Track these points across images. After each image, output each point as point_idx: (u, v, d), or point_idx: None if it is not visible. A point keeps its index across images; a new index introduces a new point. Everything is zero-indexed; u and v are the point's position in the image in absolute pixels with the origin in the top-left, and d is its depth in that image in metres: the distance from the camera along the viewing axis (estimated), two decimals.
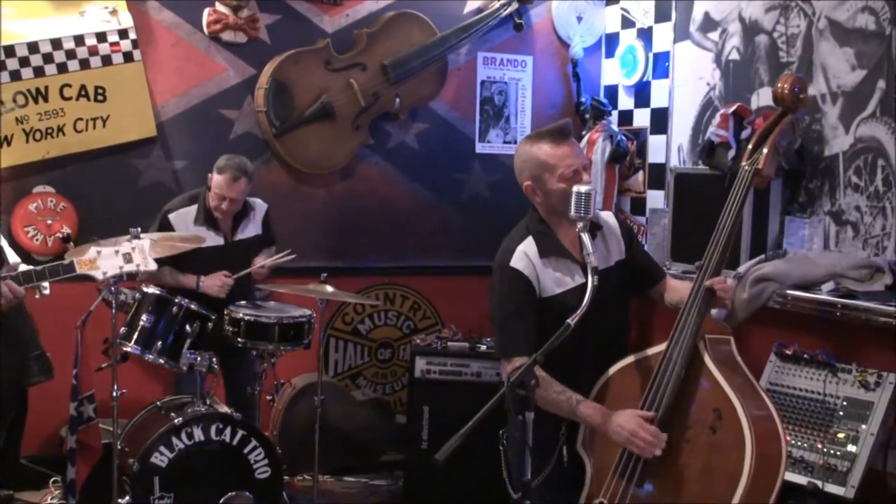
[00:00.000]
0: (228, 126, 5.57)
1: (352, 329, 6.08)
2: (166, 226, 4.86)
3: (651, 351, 3.19)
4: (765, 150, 3.21)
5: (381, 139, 5.92)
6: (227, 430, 4.39)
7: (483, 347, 5.25)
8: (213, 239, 4.90)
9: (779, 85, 3.31)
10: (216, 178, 4.81)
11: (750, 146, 3.27)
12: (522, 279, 3.26)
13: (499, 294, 3.30)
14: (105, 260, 3.01)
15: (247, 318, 4.67)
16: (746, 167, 3.24)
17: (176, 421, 4.31)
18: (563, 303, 3.21)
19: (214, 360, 4.53)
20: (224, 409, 4.57)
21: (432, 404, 5.11)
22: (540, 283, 3.26)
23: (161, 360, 4.53)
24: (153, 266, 3.04)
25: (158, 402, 4.66)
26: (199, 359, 4.47)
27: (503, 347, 3.28)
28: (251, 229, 5.08)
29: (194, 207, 4.92)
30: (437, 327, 6.17)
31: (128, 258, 3.04)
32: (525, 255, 3.27)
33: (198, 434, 4.34)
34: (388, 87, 5.74)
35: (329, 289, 4.77)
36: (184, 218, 4.89)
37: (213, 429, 4.36)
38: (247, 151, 5.42)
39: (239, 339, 4.68)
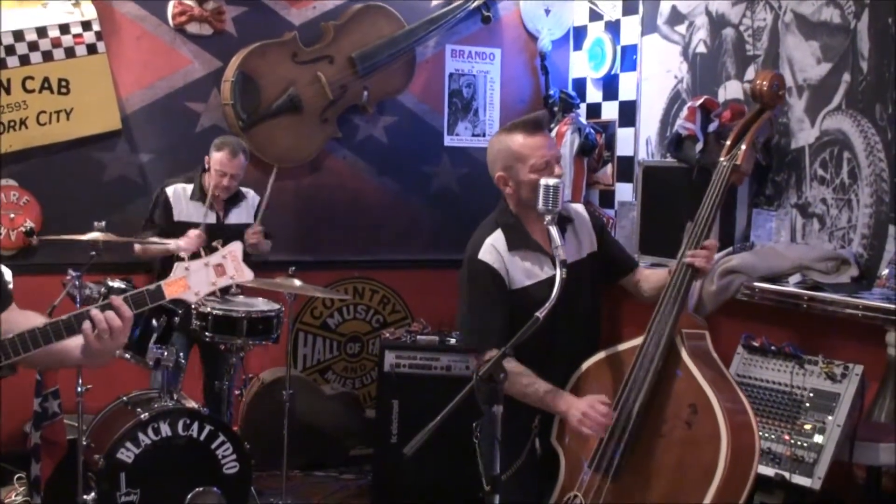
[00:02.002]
0: (195, 119, 5.50)
1: (321, 323, 6.03)
2: (164, 201, 4.94)
3: (625, 346, 3.17)
4: (743, 146, 3.20)
5: (349, 132, 5.88)
6: (195, 426, 4.33)
7: (453, 341, 5.22)
8: (207, 217, 4.93)
9: (757, 81, 3.30)
10: (216, 156, 4.87)
11: (728, 142, 3.26)
12: (491, 272, 3.24)
13: (468, 287, 3.29)
14: (196, 276, 2.57)
15: (215, 312, 4.61)
16: (724, 162, 3.22)
17: (142, 416, 4.25)
18: (533, 295, 3.19)
19: (182, 354, 4.48)
20: (192, 404, 4.52)
21: (402, 398, 5.07)
22: (509, 275, 3.25)
23: (127, 356, 4.45)
24: (249, 275, 2.71)
25: (124, 398, 4.60)
26: (165, 353, 4.41)
27: (474, 341, 3.25)
28: (243, 216, 5.10)
29: (191, 186, 5.00)
30: (406, 321, 6.14)
31: (220, 271, 2.63)
32: (493, 247, 3.26)
33: (164, 429, 4.28)
34: (356, 80, 5.69)
35: (298, 283, 4.72)
36: (181, 193, 4.97)
37: (180, 424, 4.31)
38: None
39: (207, 334, 4.63)
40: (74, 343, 2.42)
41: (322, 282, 5.59)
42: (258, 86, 5.47)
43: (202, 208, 4.92)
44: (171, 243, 4.74)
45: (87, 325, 2.36)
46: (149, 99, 5.40)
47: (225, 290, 4.54)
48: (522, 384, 3.14)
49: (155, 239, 4.81)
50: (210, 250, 2.64)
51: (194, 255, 2.60)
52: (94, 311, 2.37)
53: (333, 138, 5.80)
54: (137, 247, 4.91)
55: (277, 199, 5.64)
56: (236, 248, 2.67)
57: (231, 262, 2.68)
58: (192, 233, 4.76)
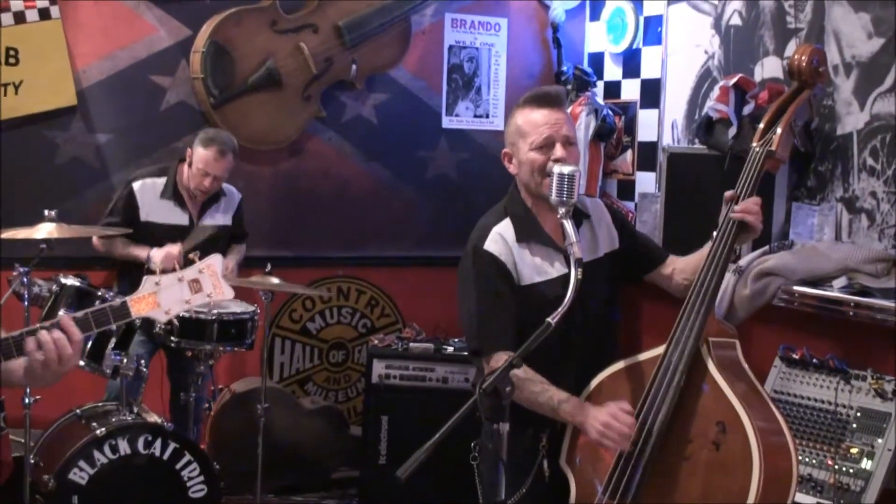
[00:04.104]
0: (160, 95, 5.49)
1: (300, 328, 6.04)
2: (128, 198, 4.93)
3: (645, 355, 3.17)
4: (779, 130, 3.19)
5: (334, 111, 5.88)
6: (157, 443, 4.34)
7: (450, 349, 5.22)
8: (178, 217, 4.96)
9: (795, 56, 3.29)
10: (201, 153, 4.87)
11: (762, 125, 3.25)
12: (498, 264, 3.24)
13: (473, 281, 3.28)
14: (167, 293, 2.54)
15: (181, 314, 4.60)
16: (758, 149, 3.21)
17: (98, 432, 4.25)
18: (543, 293, 3.20)
19: (144, 361, 4.48)
20: (154, 418, 4.52)
21: (392, 414, 5.08)
22: (517, 269, 3.25)
23: (81, 363, 4.45)
24: (229, 294, 2.67)
25: (78, 410, 4.60)
26: (125, 360, 4.41)
27: (480, 343, 3.24)
28: (219, 218, 5.12)
29: (163, 180, 4.98)
30: (397, 326, 6.15)
31: (196, 287, 2.59)
32: (501, 237, 3.27)
33: (123, 447, 4.29)
34: (343, 52, 5.69)
35: (275, 281, 4.72)
36: (149, 189, 4.96)
37: (140, 441, 4.31)
38: (181, 123, 5.39)
39: (172, 339, 4.63)
40: (17, 363, 2.42)
41: (302, 280, 5.59)
42: (232, 57, 5.46)
43: (174, 208, 4.92)
44: (145, 252, 4.74)
45: (31, 343, 2.36)
46: (108, 71, 5.38)
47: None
48: (534, 391, 3.14)
49: (133, 248, 4.79)
50: (185, 263, 2.63)
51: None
52: (42, 334, 2.36)
53: (316, 118, 5.80)
54: (96, 239, 4.91)
55: (252, 187, 5.65)
56: (215, 261, 2.65)
57: (209, 276, 2.66)
58: (173, 252, 4.72)
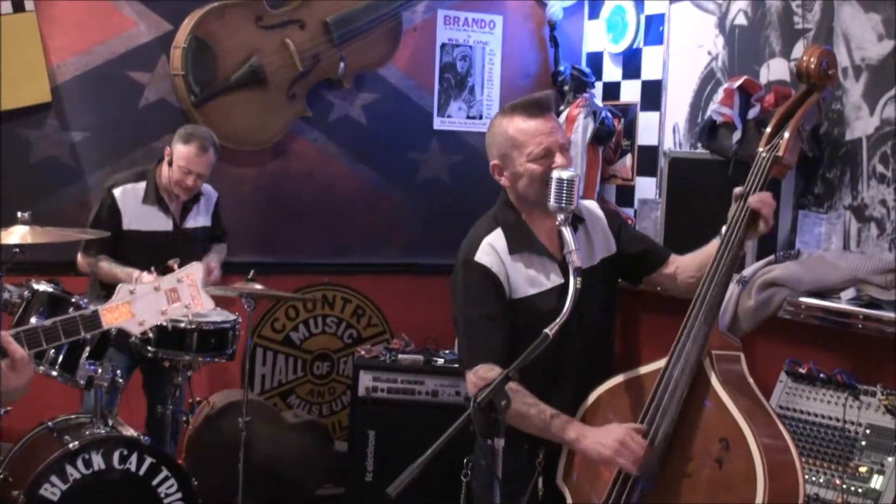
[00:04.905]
0: (138, 92, 5.49)
1: (283, 338, 6.03)
2: (112, 207, 4.90)
3: (645, 369, 3.18)
4: (786, 135, 3.21)
5: (321, 111, 5.88)
6: (133, 458, 4.33)
7: (440, 361, 5.23)
8: (162, 223, 4.95)
9: (803, 58, 3.31)
10: (181, 150, 4.85)
11: (769, 129, 3.27)
12: (490, 276, 3.25)
13: (463, 294, 3.29)
14: (142, 303, 2.52)
15: (159, 322, 4.59)
16: (764, 153, 3.23)
17: (71, 445, 4.24)
18: (537, 306, 3.21)
19: (119, 372, 4.47)
20: (130, 431, 4.51)
21: (379, 428, 5.09)
22: (510, 281, 3.26)
23: (53, 373, 4.44)
24: (209, 305, 2.65)
25: (50, 423, 4.58)
26: (99, 371, 4.40)
27: (469, 356, 3.25)
28: (201, 219, 5.13)
29: (143, 185, 4.96)
30: (385, 336, 6.15)
31: (174, 296, 2.58)
32: (492, 248, 3.27)
33: (97, 462, 4.27)
34: (331, 49, 5.70)
35: (258, 287, 4.72)
36: (131, 195, 4.94)
37: (115, 455, 4.30)
38: (160, 122, 5.38)
39: (149, 348, 4.63)
40: None
41: (286, 288, 5.59)
42: (214, 53, 5.46)
43: (158, 214, 4.93)
44: (133, 275, 4.71)
45: None
46: (84, 67, 5.38)
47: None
48: (524, 404, 3.14)
49: (118, 270, 4.78)
50: (163, 270, 2.62)
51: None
52: None
53: (302, 118, 5.80)
54: (81, 259, 4.90)
55: (234, 190, 5.65)
56: (195, 270, 2.65)
57: (188, 286, 2.65)
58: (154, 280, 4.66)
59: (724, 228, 3.16)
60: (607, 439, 3.03)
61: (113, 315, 2.53)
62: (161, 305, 2.59)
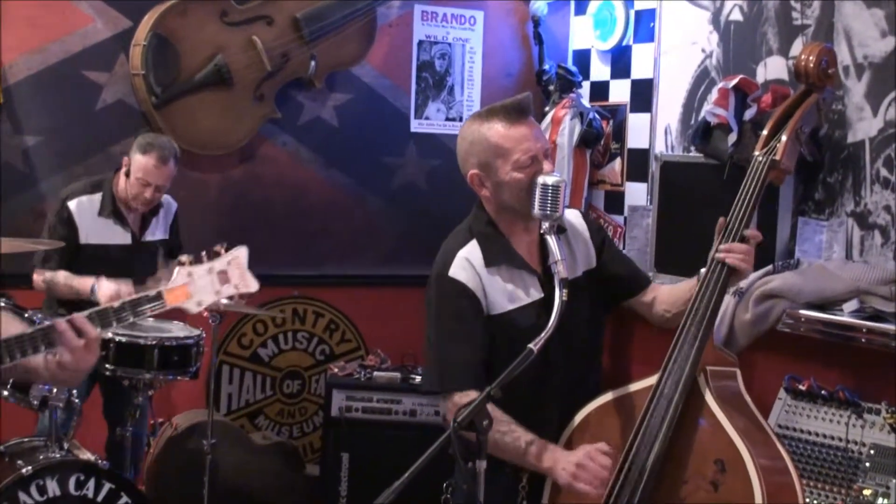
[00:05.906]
0: (95, 92, 5.48)
1: (251, 354, 6.03)
2: (68, 220, 4.88)
3: (636, 386, 3.18)
4: (784, 138, 3.22)
5: (291, 113, 5.89)
6: (91, 483, 4.32)
7: (418, 379, 5.22)
8: (120, 236, 4.95)
9: (802, 56, 3.33)
10: (140, 160, 4.84)
11: (765, 132, 3.29)
12: (465, 293, 3.24)
13: (436, 312, 3.29)
14: (199, 283, 2.68)
15: (118, 338, 4.59)
16: (760, 157, 3.25)
17: (24, 471, 4.22)
18: (516, 322, 3.21)
19: (76, 392, 4.46)
20: (87, 455, 4.50)
21: (353, 451, 5.09)
22: (487, 297, 3.25)
23: (5, 393, 4.43)
24: (255, 285, 2.78)
25: (1, 447, 4.57)
26: (54, 391, 4.38)
27: (440, 379, 3.25)
28: (159, 231, 5.14)
29: (98, 196, 4.95)
30: (359, 353, 6.15)
31: (224, 278, 2.73)
32: (468, 262, 3.26)
33: (52, 487, 4.26)
34: (301, 47, 5.70)
35: (223, 301, 4.70)
36: (87, 208, 4.93)
37: (71, 481, 4.30)
38: (119, 125, 5.37)
39: (108, 366, 4.61)
40: (36, 360, 2.63)
41: (253, 302, 5.57)
42: (177, 52, 5.46)
43: (115, 227, 4.93)
44: (88, 283, 4.69)
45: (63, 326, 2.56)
46: (37, 66, 5.37)
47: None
48: (498, 432, 3.11)
49: (75, 282, 4.76)
50: (211, 254, 2.73)
51: (197, 258, 2.68)
52: (61, 323, 2.56)
53: (270, 120, 5.80)
54: (37, 278, 4.87)
55: (198, 197, 5.64)
56: (242, 253, 2.77)
57: (235, 268, 2.78)
58: (123, 291, 4.62)
59: (703, 271, 3.18)
60: (567, 463, 3.04)
61: (174, 295, 2.67)
62: (215, 286, 2.73)
